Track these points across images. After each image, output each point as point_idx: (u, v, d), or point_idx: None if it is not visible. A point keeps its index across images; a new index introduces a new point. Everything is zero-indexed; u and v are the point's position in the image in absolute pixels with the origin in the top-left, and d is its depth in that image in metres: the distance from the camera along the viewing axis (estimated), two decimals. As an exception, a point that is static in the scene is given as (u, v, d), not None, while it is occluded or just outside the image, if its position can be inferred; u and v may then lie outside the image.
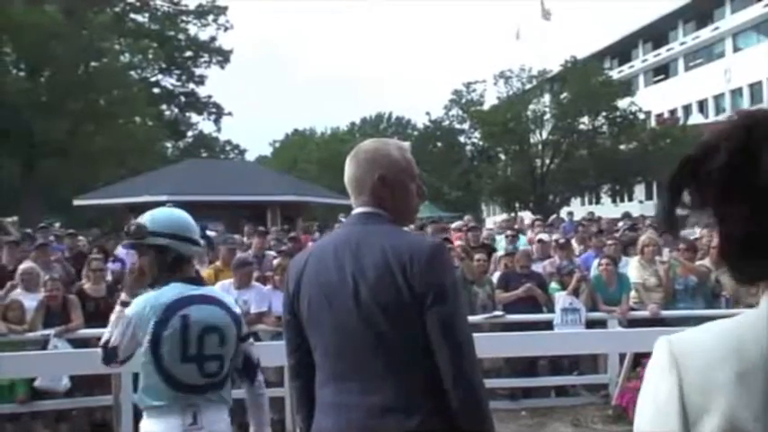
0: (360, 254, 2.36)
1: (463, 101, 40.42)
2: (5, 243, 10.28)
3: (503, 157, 40.62)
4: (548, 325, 8.70)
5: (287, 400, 7.69)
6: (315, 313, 2.42)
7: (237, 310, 3.45)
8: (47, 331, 7.56)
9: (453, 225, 13.77)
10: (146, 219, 3.39)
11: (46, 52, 30.03)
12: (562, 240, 10.48)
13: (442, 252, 2.41)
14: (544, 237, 11.11)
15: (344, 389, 2.35)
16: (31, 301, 7.88)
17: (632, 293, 9.17)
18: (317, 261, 2.46)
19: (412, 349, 2.30)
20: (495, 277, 9.50)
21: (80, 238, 12.13)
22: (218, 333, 3.27)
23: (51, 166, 33.37)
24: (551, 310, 8.86)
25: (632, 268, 9.37)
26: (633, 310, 8.98)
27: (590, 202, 43.00)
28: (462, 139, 42.34)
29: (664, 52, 54.81)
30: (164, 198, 19.11)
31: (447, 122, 41.58)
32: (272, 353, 7.59)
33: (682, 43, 52.98)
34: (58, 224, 18.71)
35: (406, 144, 2.67)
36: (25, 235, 12.35)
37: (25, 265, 8.51)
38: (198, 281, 3.46)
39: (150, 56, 39.61)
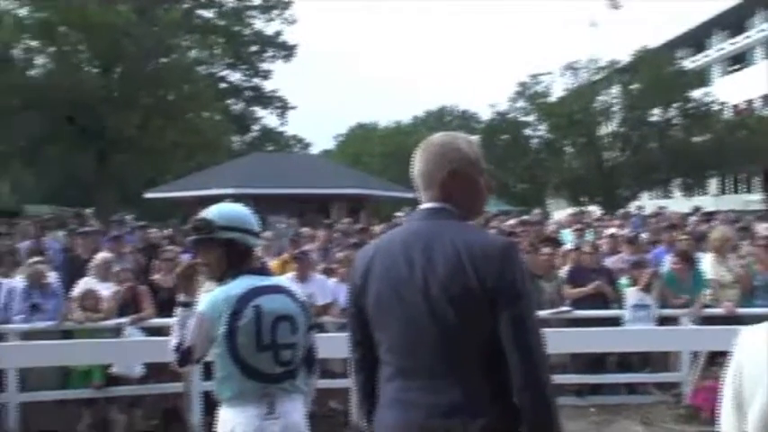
0: (430, 249, 2.34)
1: (529, 93, 40.05)
2: (81, 234, 10.54)
3: (569, 149, 40.14)
4: (616, 321, 8.56)
5: (352, 391, 7.73)
6: (383, 308, 2.41)
7: (305, 299, 3.51)
8: (121, 320, 7.75)
9: (515, 220, 13.67)
10: (212, 214, 3.45)
11: (118, 50, 30.69)
12: (632, 235, 10.30)
13: (515, 251, 2.39)
14: (615, 231, 10.93)
15: (411, 386, 2.34)
16: (104, 291, 8.08)
17: (707, 290, 8.94)
18: (385, 255, 2.45)
19: (481, 349, 2.28)
20: (564, 272, 9.39)
21: (151, 230, 12.35)
22: (289, 322, 3.32)
23: (123, 160, 34.11)
24: (621, 307, 8.72)
25: (707, 264, 9.14)
26: (707, 307, 8.71)
27: (661, 196, 42.19)
28: (528, 131, 41.98)
29: (741, 40, 53.26)
30: (231, 191, 19.43)
31: (512, 115, 41.25)
32: (337, 344, 7.69)
33: (759, 31, 51.45)
34: (129, 217, 19.10)
35: (475, 138, 2.65)
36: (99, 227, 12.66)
37: (102, 255, 8.71)
38: (265, 272, 3.51)
39: (217, 51, 40.11)
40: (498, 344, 2.26)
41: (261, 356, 3.26)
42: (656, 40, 45.03)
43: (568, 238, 11.67)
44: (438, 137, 2.60)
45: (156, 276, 8.70)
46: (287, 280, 4.22)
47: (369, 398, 2.53)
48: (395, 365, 2.39)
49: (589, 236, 11.80)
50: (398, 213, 17.38)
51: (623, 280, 9.06)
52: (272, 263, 9.30)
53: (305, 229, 12.21)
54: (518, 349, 2.24)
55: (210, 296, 3.37)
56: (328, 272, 9.18)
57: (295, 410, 3.33)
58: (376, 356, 2.48)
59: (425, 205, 2.48)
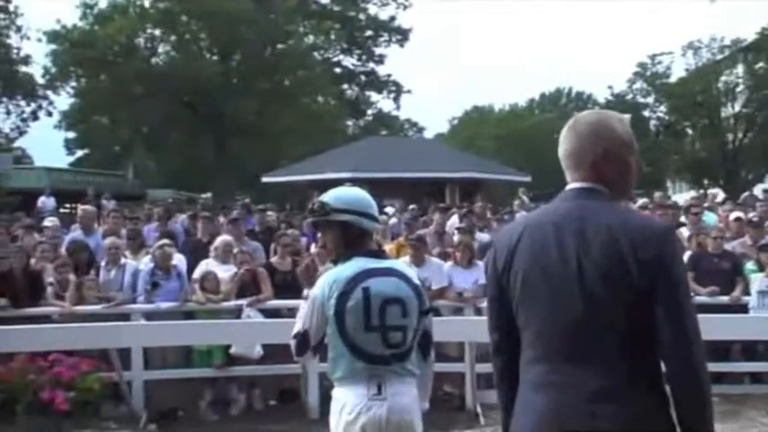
0: (583, 231, 2.25)
1: (648, 73, 38.95)
2: (201, 218, 10.85)
3: (690, 131, 38.90)
4: (742, 308, 8.23)
5: (467, 375, 7.72)
6: (530, 290, 2.32)
7: (419, 283, 3.47)
8: (240, 301, 7.95)
9: (639, 203, 13.28)
10: (329, 197, 3.49)
11: (236, 37, 31.42)
12: (756, 219, 9.89)
13: (674, 236, 2.31)
14: (740, 215, 10.50)
15: (559, 369, 2.25)
16: (224, 273, 8.30)
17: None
18: (532, 236, 2.35)
19: (635, 335, 2.20)
20: (685, 256, 9.08)
21: (269, 213, 12.59)
22: (399, 304, 3.31)
23: (241, 144, 34.94)
24: (747, 293, 8.38)
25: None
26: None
27: (787, 179, 40.39)
28: (647, 113, 40.83)
29: None
30: (346, 175, 19.61)
31: (630, 96, 40.20)
32: (452, 328, 7.69)
33: None
34: (247, 200, 19.56)
35: (627, 117, 2.56)
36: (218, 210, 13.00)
37: (222, 238, 8.94)
38: (380, 254, 3.52)
39: (332, 36, 40.55)
40: (651, 329, 2.18)
41: (369, 337, 3.28)
42: (784, 16, 43.03)
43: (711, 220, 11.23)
44: (589, 115, 2.51)
45: (273, 259, 8.87)
46: (402, 263, 4.23)
47: (510, 380, 2.45)
48: (542, 348, 2.31)
49: (709, 219, 11.36)
50: (524, 197, 17.15)
51: (749, 265, 8.69)
52: (388, 246, 9.36)
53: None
54: (676, 337, 2.17)
55: (323, 278, 3.44)
56: (443, 256, 9.16)
57: (404, 393, 3.31)
58: (517, 339, 2.41)
59: (575, 185, 2.39)
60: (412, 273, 3.53)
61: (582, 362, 2.22)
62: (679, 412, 2.18)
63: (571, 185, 2.40)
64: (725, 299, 8.33)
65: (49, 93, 35.05)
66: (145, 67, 31.55)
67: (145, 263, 8.57)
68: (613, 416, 2.16)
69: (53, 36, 32.68)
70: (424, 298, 3.46)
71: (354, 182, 17.05)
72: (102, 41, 30.24)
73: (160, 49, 34.73)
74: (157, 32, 33.85)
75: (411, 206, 12.11)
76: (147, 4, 33.38)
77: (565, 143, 2.44)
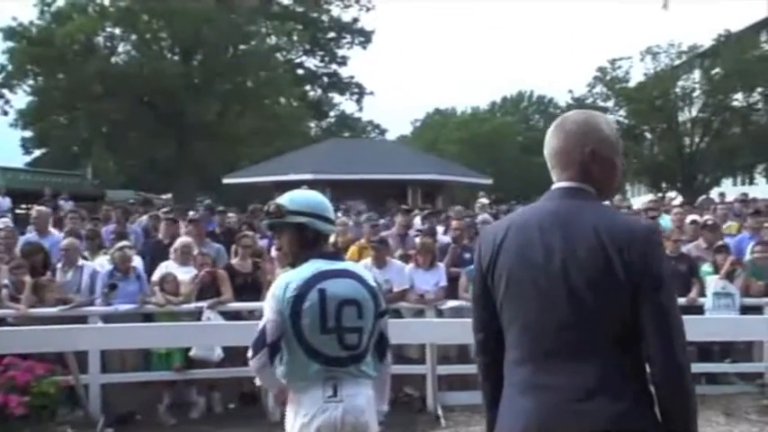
0: (570, 230, 2.27)
1: (608, 78, 39.35)
2: (164, 219, 10.75)
3: (649, 135, 39.36)
4: (698, 310, 8.34)
5: (429, 377, 7.73)
6: (514, 289, 2.33)
7: (375, 284, 3.46)
8: (200, 303, 7.89)
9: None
10: (284, 199, 3.50)
11: (198, 37, 31.21)
12: (710, 222, 10.04)
13: (659, 236, 2.34)
14: (696, 218, 10.65)
15: (546, 369, 2.26)
16: (183, 275, 8.23)
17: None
18: (518, 235, 2.36)
19: (618, 332, 2.22)
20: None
21: (230, 214, 12.52)
22: (355, 306, 3.32)
23: (202, 146, 34.69)
24: (703, 294, 8.50)
25: (792, 252, 8.88)
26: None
27: (743, 183, 41.05)
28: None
29: (828, 24, 51.35)
30: (308, 176, 19.60)
31: (590, 100, 40.59)
32: (414, 330, 7.71)
33: None
34: (207, 201, 19.42)
35: (612, 118, 2.58)
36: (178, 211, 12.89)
37: (182, 239, 8.87)
38: (336, 256, 3.53)
39: (295, 38, 40.44)
40: (635, 327, 2.21)
41: (325, 339, 3.28)
42: (738, 23, 43.67)
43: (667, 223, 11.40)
44: (576, 114, 2.52)
45: (234, 261, 8.81)
46: (359, 265, 4.22)
47: (495, 381, 2.45)
48: (528, 348, 2.31)
49: (664, 222, 11.53)
50: (483, 200, 17.21)
51: (705, 267, 8.83)
52: (351, 248, 9.36)
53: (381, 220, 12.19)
54: (660, 337, 2.20)
55: (278, 279, 3.45)
56: (405, 258, 9.18)
57: (360, 395, 3.32)
58: (501, 339, 2.42)
59: (562, 184, 2.40)
60: (368, 274, 3.53)
61: (567, 362, 2.24)
62: (663, 410, 2.21)
63: (558, 185, 2.41)
64: (681, 300, 8.40)
65: (6, 91, 34.51)
66: (104, 66, 31.15)
67: (101, 264, 8.47)
68: (599, 415, 2.18)
69: (10, 33, 32.21)
70: (381, 299, 3.45)
71: (316, 183, 17.07)
72: (60, 40, 29.81)
73: (120, 49, 34.37)
74: (117, 31, 33.49)
75: (368, 213, 12.03)
76: (106, 3, 33.00)
77: (552, 142, 2.45)
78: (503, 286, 2.36)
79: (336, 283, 3.32)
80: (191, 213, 12.54)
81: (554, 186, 2.43)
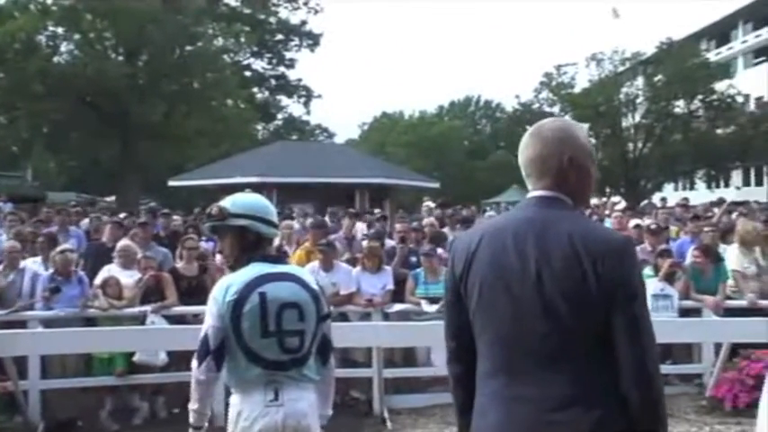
0: (545, 240, 2.26)
1: (554, 84, 39.86)
2: (108, 222, 10.60)
3: (593, 141, 39.93)
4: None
5: (375, 380, 7.73)
6: (488, 298, 2.31)
7: (317, 288, 3.45)
8: (144, 307, 7.79)
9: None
10: (227, 201, 3.49)
11: (143, 37, 30.81)
12: (654, 226, 10.22)
13: (633, 248, 2.35)
14: (638, 222, 10.84)
15: (519, 380, 2.25)
16: (127, 278, 8.11)
17: (729, 282, 8.89)
18: (492, 243, 2.34)
19: (591, 343, 2.23)
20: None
21: (175, 217, 12.39)
22: (296, 309, 3.30)
23: (147, 147, 34.25)
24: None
25: (731, 256, 9.09)
26: (730, 299, 8.72)
27: (684, 188, 41.93)
28: (552, 122, 41.76)
29: (765, 33, 52.65)
30: (255, 180, 19.45)
31: (537, 105, 41.08)
32: (360, 334, 7.71)
33: (785, 24, 50.85)
34: (152, 204, 19.20)
35: (586, 126, 2.60)
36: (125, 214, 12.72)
37: (123, 242, 8.74)
38: (278, 259, 3.51)
39: (242, 39, 40.19)
40: (607, 337, 2.22)
41: (265, 343, 3.27)
42: (680, 31, 44.64)
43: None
44: (552, 122, 2.51)
45: (179, 264, 8.72)
46: (301, 268, 4.21)
47: (464, 388, 2.45)
48: (499, 359, 2.31)
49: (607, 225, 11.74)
50: (429, 203, 17.28)
51: (646, 270, 8.97)
52: (297, 252, 9.33)
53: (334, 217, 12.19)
54: (632, 347, 2.21)
55: (219, 282, 3.43)
56: (352, 261, 9.18)
57: (301, 398, 3.30)
58: (474, 347, 2.40)
59: (538, 193, 2.39)
60: (310, 277, 3.52)
61: (540, 372, 2.24)
62: (635, 417, 2.22)
63: (534, 193, 2.40)
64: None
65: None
66: (46, 66, 30.55)
67: (35, 263, 8.34)
68: (574, 424, 2.19)
69: (-52, 31, 31.46)
70: (322, 303, 3.44)
71: (263, 186, 16.96)
72: (0, 38, 29.20)
73: (63, 48, 33.73)
74: (60, 30, 32.89)
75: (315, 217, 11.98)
76: (49, 2, 32.40)
77: (528, 150, 2.43)
78: (476, 295, 2.35)
79: (277, 287, 3.31)
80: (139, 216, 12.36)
81: (530, 195, 2.42)
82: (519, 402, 2.24)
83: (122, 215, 14.02)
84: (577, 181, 2.39)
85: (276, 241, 3.88)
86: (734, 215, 12.49)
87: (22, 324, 7.61)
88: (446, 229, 11.46)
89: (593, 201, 26.67)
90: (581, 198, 2.45)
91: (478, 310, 2.35)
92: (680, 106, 36.59)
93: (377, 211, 15.77)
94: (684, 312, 8.56)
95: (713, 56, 47.08)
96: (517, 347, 2.26)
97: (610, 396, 2.22)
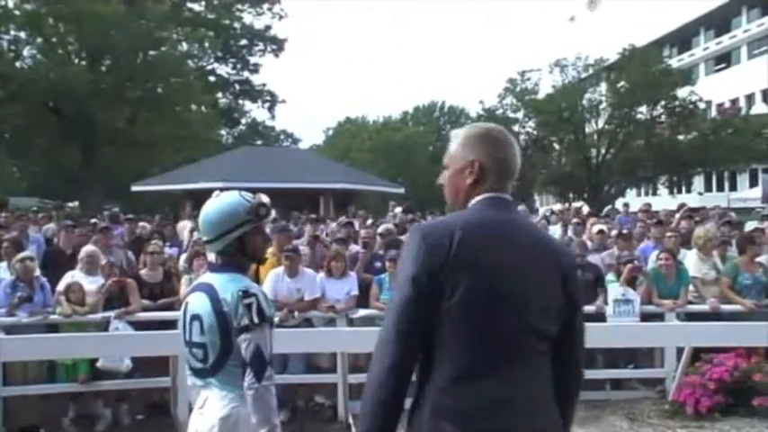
0: (523, 245, 2.30)
1: (518, 89, 40.05)
2: (63, 227, 10.50)
3: (557, 146, 40.18)
4: (603, 317, 8.57)
5: (339, 385, 7.74)
6: (480, 295, 2.21)
7: (231, 300, 3.22)
8: (108, 313, 7.73)
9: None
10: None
11: (106, 42, 30.55)
12: (624, 231, 10.32)
13: None
14: (603, 227, 10.95)
15: (505, 381, 2.23)
16: (90, 284, 8.04)
17: (690, 287, 9.00)
18: (480, 240, 2.25)
19: (549, 347, 2.33)
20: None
21: (141, 224, 12.30)
22: (198, 321, 3.28)
23: (111, 152, 33.97)
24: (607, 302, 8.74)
25: (690, 262, 9.22)
26: (691, 303, 8.84)
27: (646, 194, 42.33)
28: (516, 128, 41.96)
29: (726, 40, 53.50)
30: (219, 185, 19.31)
31: (501, 111, 41.24)
32: (325, 339, 7.72)
33: (745, 31, 51.66)
34: (116, 209, 19.03)
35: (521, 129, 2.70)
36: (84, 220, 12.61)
37: (87, 248, 8.66)
38: (219, 268, 3.41)
39: (206, 44, 40.02)
40: (561, 341, 2.34)
41: (186, 351, 3.36)
42: (642, 38, 45.07)
43: (557, 234, 11.72)
44: (501, 128, 2.52)
45: (143, 271, 8.66)
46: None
47: (399, 409, 2.23)
48: (479, 358, 2.21)
49: (569, 232, 11.88)
50: (397, 209, 17.30)
51: (609, 276, 9.07)
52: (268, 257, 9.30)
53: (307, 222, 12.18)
54: (579, 350, 2.42)
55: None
56: (314, 267, 9.17)
57: (219, 408, 3.24)
58: (416, 355, 2.25)
59: (503, 195, 2.40)
60: (228, 289, 3.27)
61: (519, 371, 2.26)
62: (567, 408, 2.39)
63: (500, 195, 2.40)
64: (589, 308, 8.58)
65: None
66: (8, 71, 30.19)
67: (2, 268, 8.28)
68: (542, 425, 2.28)
69: None
70: (230, 316, 3.21)
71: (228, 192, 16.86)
72: (-39, 42, 28.87)
73: (25, 53, 33.35)
74: (23, 35, 32.53)
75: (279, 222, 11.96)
76: (11, 5, 32.03)
77: (506, 149, 2.45)
78: (461, 291, 2.20)
79: (194, 297, 3.36)
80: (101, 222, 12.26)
81: (496, 195, 2.39)
82: (503, 406, 2.23)
83: (94, 221, 13.85)
84: (512, 186, 2.47)
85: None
86: (692, 221, 12.63)
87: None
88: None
89: (557, 206, 26.94)
90: None
91: (463, 307, 2.20)
92: (643, 112, 36.90)
93: (343, 218, 15.74)
94: (647, 317, 8.65)
95: (675, 62, 47.66)
96: (505, 346, 2.24)
97: (553, 397, 2.35)
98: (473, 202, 2.40)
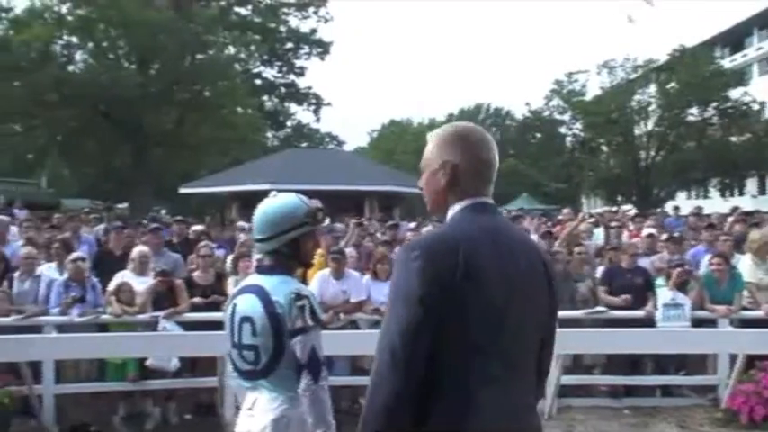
0: (518, 254, 2.25)
1: (564, 91, 39.79)
2: (113, 229, 10.65)
3: (605, 148, 39.85)
4: (652, 322, 8.42)
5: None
6: (480, 319, 2.13)
7: (285, 303, 3.22)
8: (157, 313, 7.82)
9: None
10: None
11: (155, 46, 30.96)
12: (676, 235, 10.16)
13: None
14: (653, 231, 10.79)
15: (513, 390, 2.22)
16: (140, 285, 8.14)
17: (744, 293, 8.79)
18: (481, 260, 2.15)
19: (537, 350, 2.33)
20: (599, 271, 9.31)
21: (195, 227, 12.35)
22: (250, 323, 3.27)
23: (159, 155, 34.40)
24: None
25: (744, 267, 9.01)
26: (745, 309, 8.61)
27: (697, 196, 41.72)
28: (563, 130, 41.75)
29: (780, 40, 52.49)
30: (265, 187, 19.45)
31: (547, 113, 41.02)
32: (370, 342, 7.70)
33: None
34: (164, 211, 19.25)
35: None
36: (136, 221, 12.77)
37: (139, 248, 8.76)
38: (268, 270, 3.41)
39: (253, 48, 40.31)
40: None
41: (234, 353, 3.34)
42: (693, 39, 44.49)
43: (599, 237, 11.59)
44: (477, 128, 2.44)
45: (194, 273, 8.73)
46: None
47: (406, 427, 2.15)
48: (499, 370, 2.16)
49: (597, 235, 11.76)
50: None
51: (659, 280, 8.91)
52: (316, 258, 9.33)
53: (339, 225, 12.19)
54: (547, 366, 2.45)
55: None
56: (361, 269, 9.18)
57: (269, 410, 3.24)
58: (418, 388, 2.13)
59: (488, 201, 2.33)
60: (281, 291, 3.27)
61: (520, 381, 2.25)
62: None
63: (483, 200, 2.32)
64: (639, 313, 8.50)
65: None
66: (61, 75, 30.74)
67: (50, 269, 8.40)
68: (536, 427, 2.31)
69: (-35, 40, 31.69)
70: (283, 318, 3.21)
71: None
72: (17, 47, 29.40)
73: (77, 57, 33.93)
74: (75, 40, 33.11)
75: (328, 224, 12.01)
76: (64, 11, 32.62)
77: (490, 152, 2.37)
78: (469, 307, 2.11)
79: (243, 299, 3.33)
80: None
81: (484, 200, 2.32)
82: (511, 410, 2.22)
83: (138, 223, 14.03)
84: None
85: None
86: (746, 225, 12.37)
87: (37, 330, 7.65)
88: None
89: (603, 209, 26.61)
90: None
91: (469, 326, 2.12)
92: (693, 114, 36.46)
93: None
94: (699, 323, 8.47)
95: (727, 63, 46.91)
96: (508, 363, 2.19)
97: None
98: (457, 208, 2.29)
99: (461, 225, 2.25)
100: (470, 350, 2.13)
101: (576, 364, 8.53)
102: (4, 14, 32.28)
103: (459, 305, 2.10)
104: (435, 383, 2.13)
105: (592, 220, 13.02)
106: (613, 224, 12.01)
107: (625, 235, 11.75)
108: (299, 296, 3.22)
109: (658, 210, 21.14)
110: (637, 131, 37.88)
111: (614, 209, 26.52)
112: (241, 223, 12.94)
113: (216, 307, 7.74)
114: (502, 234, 2.26)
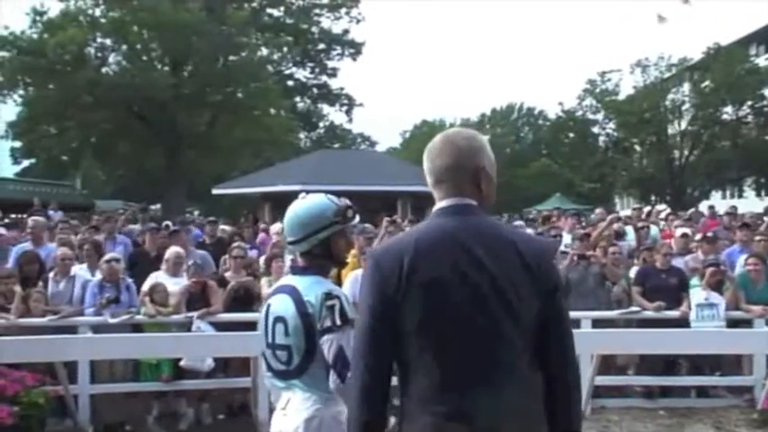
0: (494, 248, 2.26)
1: (597, 90, 39.51)
2: (148, 230, 10.74)
3: (638, 148, 39.52)
4: (687, 322, 8.33)
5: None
6: (437, 312, 2.21)
7: (315, 302, 3.23)
8: (190, 314, 7.87)
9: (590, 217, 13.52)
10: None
11: (188, 48, 31.22)
12: (710, 234, 10.04)
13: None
14: (687, 231, 10.67)
15: (472, 393, 2.21)
16: (174, 285, 8.20)
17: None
18: (437, 255, 2.24)
19: (532, 352, 2.28)
20: (632, 272, 9.23)
21: (224, 227, 12.43)
22: (283, 323, 3.28)
23: (192, 156, 34.67)
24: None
25: (781, 266, 8.89)
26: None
27: (732, 196, 41.19)
28: (596, 129, 41.45)
29: (815, 38, 51.62)
30: (297, 188, 19.55)
31: (580, 113, 40.76)
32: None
33: (837, 27, 49.77)
34: (197, 212, 19.38)
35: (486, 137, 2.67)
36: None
37: (174, 249, 8.81)
38: (302, 270, 3.44)
39: (285, 49, 40.50)
40: (540, 346, 2.30)
41: (269, 353, 3.34)
42: (728, 37, 43.90)
43: (630, 236, 11.50)
44: (462, 131, 2.55)
45: (227, 273, 8.77)
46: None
47: (381, 420, 2.30)
48: (448, 375, 2.22)
49: (653, 232, 11.64)
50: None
51: (694, 280, 8.81)
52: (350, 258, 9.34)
53: (368, 226, 12.18)
54: (562, 352, 2.32)
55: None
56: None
57: (303, 409, 3.24)
58: (387, 386, 2.29)
59: (455, 201, 2.37)
60: (312, 291, 3.28)
61: (493, 382, 2.22)
62: (557, 418, 2.32)
63: (453, 201, 2.39)
64: (674, 314, 8.41)
65: (-4, 101, 34.40)
66: (95, 77, 31.12)
67: (81, 269, 8.49)
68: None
69: (1, 43, 32.13)
70: (314, 318, 3.23)
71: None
72: (51, 50, 29.78)
73: (111, 59, 34.35)
74: (108, 42, 33.50)
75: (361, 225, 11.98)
76: (98, 14, 33.01)
77: (442, 157, 2.43)
78: (419, 310, 2.22)
79: (276, 299, 3.35)
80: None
81: (448, 203, 2.39)
82: (478, 416, 2.21)
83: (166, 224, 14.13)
84: (487, 189, 2.44)
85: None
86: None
87: (72, 330, 7.72)
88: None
89: (627, 212, 26.35)
90: (489, 204, 2.48)
91: (424, 328, 2.22)
92: (728, 113, 36.06)
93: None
94: (734, 323, 8.36)
95: (762, 61, 46.27)
96: (476, 360, 2.22)
97: (539, 404, 2.29)
98: (432, 213, 2.44)
99: (419, 231, 2.38)
100: (426, 352, 2.23)
101: (610, 364, 8.46)
102: (38, 17, 32.73)
103: (407, 311, 2.23)
104: (406, 377, 2.29)
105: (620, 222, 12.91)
106: (640, 224, 11.91)
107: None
108: (329, 296, 3.23)
109: (692, 209, 20.87)
110: (670, 131, 37.54)
111: (646, 208, 26.28)
112: (279, 224, 12.96)
113: (249, 306, 7.77)
114: (465, 234, 2.28)
